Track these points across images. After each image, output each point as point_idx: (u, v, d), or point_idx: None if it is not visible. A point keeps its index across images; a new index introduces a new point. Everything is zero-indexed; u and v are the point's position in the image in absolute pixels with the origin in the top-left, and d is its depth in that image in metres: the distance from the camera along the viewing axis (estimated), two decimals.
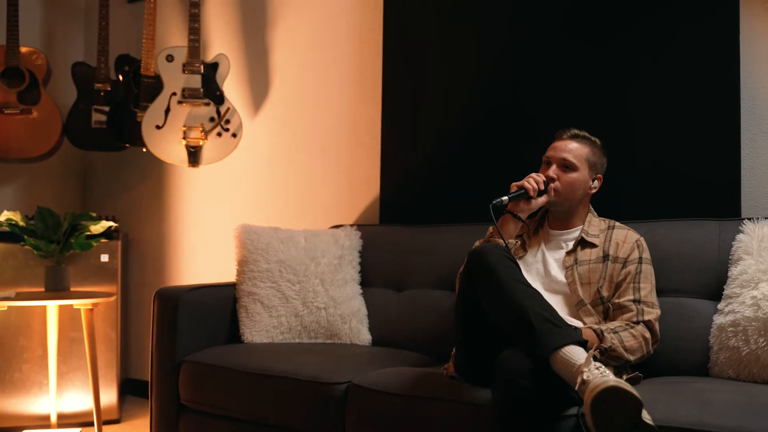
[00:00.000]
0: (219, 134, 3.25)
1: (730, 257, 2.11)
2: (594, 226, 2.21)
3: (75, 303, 2.84)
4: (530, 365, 1.65)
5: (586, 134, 2.22)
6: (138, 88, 3.39)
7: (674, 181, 2.40)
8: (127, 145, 3.42)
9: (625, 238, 2.16)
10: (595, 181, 2.22)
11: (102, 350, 3.25)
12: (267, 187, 3.35)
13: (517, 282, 1.79)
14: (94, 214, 3.23)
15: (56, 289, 3.07)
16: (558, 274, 2.17)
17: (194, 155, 3.24)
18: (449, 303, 2.54)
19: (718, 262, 2.16)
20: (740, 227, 2.13)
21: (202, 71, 3.25)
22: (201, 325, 2.47)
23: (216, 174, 3.48)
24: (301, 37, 3.27)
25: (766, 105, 2.32)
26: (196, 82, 3.25)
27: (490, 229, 2.24)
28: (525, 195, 2.14)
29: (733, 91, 2.31)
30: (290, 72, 3.31)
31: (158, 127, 3.22)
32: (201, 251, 3.52)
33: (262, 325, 2.53)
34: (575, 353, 1.63)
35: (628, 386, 1.48)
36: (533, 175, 2.17)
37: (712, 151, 2.34)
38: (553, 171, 2.18)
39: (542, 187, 2.15)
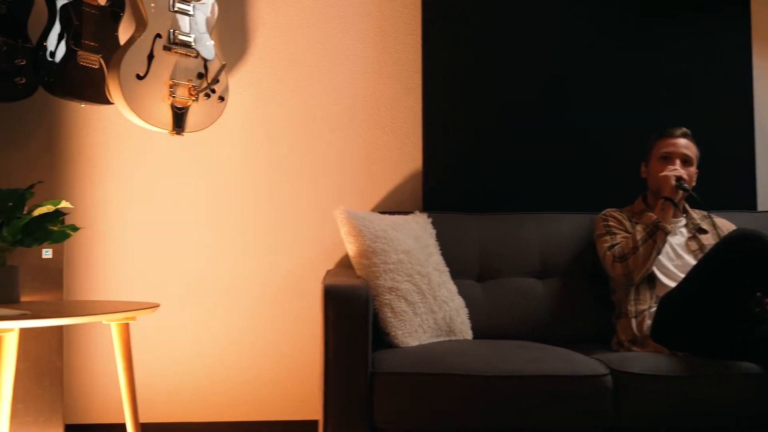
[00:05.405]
0: (207, 95, 2.58)
1: None
2: (696, 215, 2.54)
3: (106, 318, 1.97)
4: None
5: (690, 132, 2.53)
6: (80, 21, 2.46)
7: None
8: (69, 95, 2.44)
9: (728, 225, 2.54)
10: (695, 175, 2.55)
11: (45, 385, 2.28)
12: (244, 164, 2.77)
13: None
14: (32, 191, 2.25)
15: (6, 300, 2.07)
16: (687, 257, 2.44)
17: (180, 118, 2.52)
18: (540, 291, 2.59)
19: None
20: None
21: (192, 12, 2.54)
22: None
23: (153, 143, 2.73)
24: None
25: None
26: (185, 25, 2.52)
27: (651, 215, 2.36)
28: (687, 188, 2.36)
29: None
30: (280, 33, 2.80)
31: (139, 77, 2.41)
32: (134, 240, 2.71)
33: (411, 325, 2.18)
34: None
35: None
36: (680, 170, 2.39)
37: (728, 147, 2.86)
38: (679, 166, 2.43)
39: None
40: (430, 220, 2.58)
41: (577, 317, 2.53)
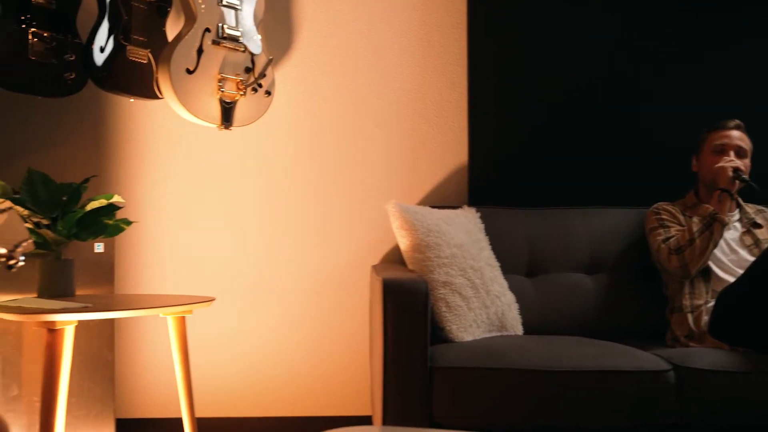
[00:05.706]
0: (254, 90, 2.58)
1: None
2: (750, 209, 2.50)
3: (164, 311, 1.97)
4: None
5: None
6: (129, 16, 2.46)
7: None
8: (117, 91, 2.44)
9: None
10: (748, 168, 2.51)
11: (96, 379, 2.28)
12: (291, 158, 2.76)
13: None
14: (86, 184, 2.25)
15: (62, 294, 2.07)
16: (743, 252, 2.40)
17: (228, 113, 2.52)
18: (589, 286, 2.56)
19: None
20: None
21: (240, 7, 2.54)
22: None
23: (200, 137, 2.73)
24: None
25: None
26: (231, 19, 2.52)
27: (707, 207, 2.33)
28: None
29: None
30: (325, 27, 2.79)
31: (189, 72, 2.41)
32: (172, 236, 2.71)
33: (465, 320, 2.16)
34: None
35: None
36: (736, 160, 2.36)
37: None
38: (734, 158, 2.39)
39: None
40: (478, 214, 2.56)
41: (627, 313, 2.51)
